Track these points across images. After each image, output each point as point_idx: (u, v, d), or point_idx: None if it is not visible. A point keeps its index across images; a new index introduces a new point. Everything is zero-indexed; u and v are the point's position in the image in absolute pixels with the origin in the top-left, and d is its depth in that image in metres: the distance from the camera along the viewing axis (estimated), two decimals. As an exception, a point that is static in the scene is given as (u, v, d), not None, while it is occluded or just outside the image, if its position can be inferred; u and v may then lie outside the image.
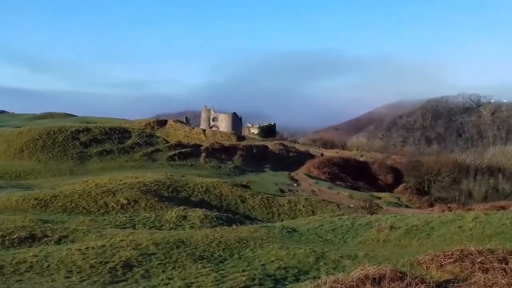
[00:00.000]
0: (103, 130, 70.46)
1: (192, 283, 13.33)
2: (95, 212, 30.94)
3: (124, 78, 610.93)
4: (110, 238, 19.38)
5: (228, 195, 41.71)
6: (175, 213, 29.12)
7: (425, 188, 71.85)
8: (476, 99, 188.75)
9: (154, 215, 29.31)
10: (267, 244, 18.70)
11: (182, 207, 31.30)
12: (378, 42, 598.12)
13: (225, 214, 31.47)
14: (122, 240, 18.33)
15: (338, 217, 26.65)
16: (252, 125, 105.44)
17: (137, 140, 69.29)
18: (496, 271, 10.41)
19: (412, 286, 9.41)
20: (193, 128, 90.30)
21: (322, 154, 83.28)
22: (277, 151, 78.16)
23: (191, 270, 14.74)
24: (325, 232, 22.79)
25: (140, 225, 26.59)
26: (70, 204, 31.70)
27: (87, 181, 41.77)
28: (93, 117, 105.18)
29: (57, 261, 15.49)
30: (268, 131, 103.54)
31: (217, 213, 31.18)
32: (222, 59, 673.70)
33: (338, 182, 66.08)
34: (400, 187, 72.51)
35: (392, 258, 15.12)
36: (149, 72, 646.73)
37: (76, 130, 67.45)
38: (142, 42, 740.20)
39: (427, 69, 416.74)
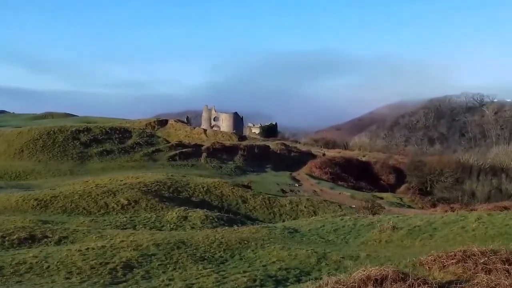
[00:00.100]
0: (104, 130, 70.46)
1: (193, 284, 13.28)
2: (96, 213, 30.88)
3: (124, 78, 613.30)
4: (111, 239, 19.33)
5: (229, 196, 41.62)
6: (176, 213, 29.06)
7: (428, 188, 71.65)
8: (479, 99, 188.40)
9: (154, 215, 29.26)
10: (268, 244, 18.62)
11: (183, 208, 31.25)
12: (378, 42, 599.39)
13: (226, 215, 31.39)
14: (123, 241, 18.28)
15: (340, 217, 26.53)
16: (254, 125, 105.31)
17: (138, 140, 69.27)
18: (499, 272, 10.31)
19: (414, 287, 9.30)
20: (194, 128, 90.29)
21: (324, 154, 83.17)
22: (278, 151, 78.07)
23: (192, 271, 14.68)
24: (327, 233, 22.69)
25: (141, 226, 26.53)
26: (70, 205, 31.65)
27: (87, 181, 41.74)
28: (94, 117, 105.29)
29: (57, 262, 15.44)
30: (270, 131, 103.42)
31: (218, 213, 31.12)
32: (222, 59, 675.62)
33: (340, 182, 65.99)
34: (403, 187, 72.33)
35: (394, 259, 15.02)
36: (149, 72, 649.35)
37: (77, 130, 67.46)
38: (142, 42, 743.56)
39: (427, 69, 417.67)
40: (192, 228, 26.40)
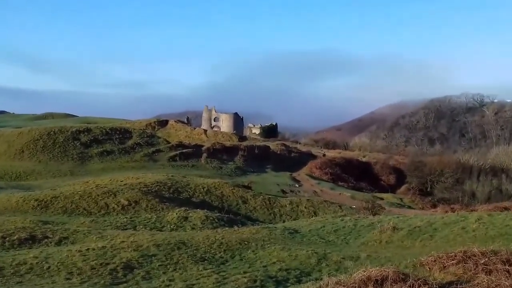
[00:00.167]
0: (104, 130, 70.41)
1: (193, 284, 13.28)
2: (96, 213, 30.86)
3: (124, 78, 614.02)
4: (111, 240, 19.33)
5: (229, 196, 41.60)
6: (176, 214, 29.04)
7: (428, 189, 71.58)
8: (479, 99, 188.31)
9: (155, 216, 29.24)
10: (268, 245, 18.62)
11: (183, 208, 31.22)
12: (378, 42, 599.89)
13: (226, 215, 31.37)
14: (123, 242, 18.28)
15: (340, 218, 26.52)
16: (254, 125, 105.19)
17: (138, 141, 69.23)
18: (499, 273, 10.32)
19: (415, 288, 9.31)
20: (194, 128, 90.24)
21: (324, 155, 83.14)
22: (278, 152, 78.02)
23: (192, 272, 14.68)
24: (327, 233, 22.69)
25: (141, 226, 26.52)
26: (71, 205, 31.62)
27: (87, 182, 41.70)
28: (94, 117, 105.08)
29: (58, 263, 15.45)
30: (270, 131, 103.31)
31: (218, 214, 31.09)
32: (222, 59, 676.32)
33: (340, 183, 65.92)
34: (403, 187, 72.27)
35: (395, 260, 15.02)
36: (149, 72, 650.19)
37: (77, 131, 67.41)
38: (142, 42, 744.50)
39: (427, 69, 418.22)
40: (193, 228, 26.38)
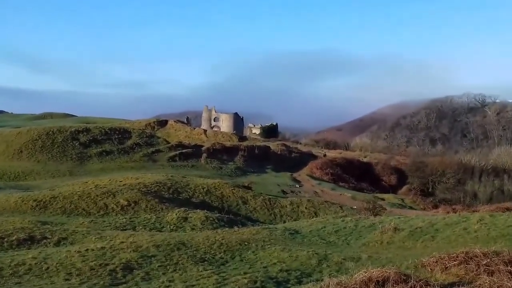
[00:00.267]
0: (103, 130, 70.35)
1: (193, 285, 13.23)
2: (95, 214, 30.77)
3: (124, 78, 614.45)
4: (110, 240, 19.25)
5: (229, 196, 41.52)
6: (176, 214, 28.98)
7: (430, 190, 71.46)
8: (481, 99, 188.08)
9: (154, 216, 29.18)
10: (269, 246, 18.54)
11: (183, 209, 31.17)
12: (378, 42, 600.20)
13: (226, 216, 31.32)
14: (122, 242, 18.21)
15: (341, 218, 26.43)
16: (254, 126, 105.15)
17: (138, 141, 69.17)
18: (501, 274, 10.24)
19: (416, 289, 9.22)
20: (194, 129, 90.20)
21: (324, 155, 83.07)
22: (279, 152, 77.95)
23: (192, 273, 14.61)
24: (328, 234, 22.60)
25: (141, 227, 26.46)
26: (70, 206, 31.54)
27: (86, 182, 41.61)
28: (93, 117, 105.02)
29: (57, 263, 15.38)
30: (270, 131, 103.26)
31: (218, 214, 31.03)
32: (222, 59, 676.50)
33: (341, 183, 65.83)
34: (404, 188, 72.18)
35: (396, 261, 14.92)
36: (149, 72, 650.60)
37: (76, 131, 67.34)
38: (142, 42, 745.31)
39: (428, 69, 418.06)
40: (192, 229, 26.31)
